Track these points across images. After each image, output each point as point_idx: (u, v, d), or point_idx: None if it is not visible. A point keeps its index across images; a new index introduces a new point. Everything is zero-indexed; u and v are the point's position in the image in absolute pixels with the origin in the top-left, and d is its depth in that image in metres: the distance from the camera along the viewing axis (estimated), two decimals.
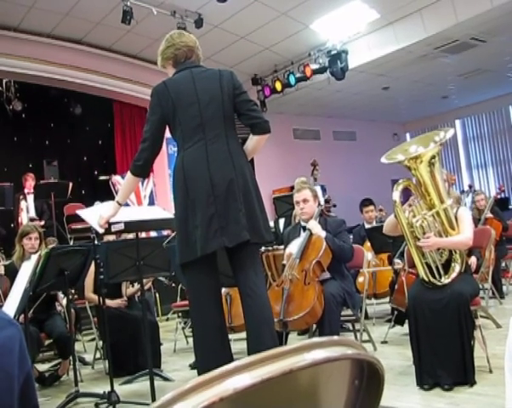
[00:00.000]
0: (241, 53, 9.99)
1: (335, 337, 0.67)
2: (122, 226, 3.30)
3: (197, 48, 3.13)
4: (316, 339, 0.66)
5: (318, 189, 5.96)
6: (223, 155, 2.89)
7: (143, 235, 6.12)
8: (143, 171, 3.04)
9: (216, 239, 2.76)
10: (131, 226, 3.40)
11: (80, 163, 11.99)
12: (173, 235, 4.32)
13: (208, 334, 2.84)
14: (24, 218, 8.26)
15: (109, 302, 4.69)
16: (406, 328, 4.05)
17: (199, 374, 2.91)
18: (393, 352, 4.54)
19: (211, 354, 2.81)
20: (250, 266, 2.92)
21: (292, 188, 6.24)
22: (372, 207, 6.59)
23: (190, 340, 5.95)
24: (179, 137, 2.94)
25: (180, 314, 6.15)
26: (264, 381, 0.59)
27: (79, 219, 4.86)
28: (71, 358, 4.40)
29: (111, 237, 5.02)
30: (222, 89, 2.96)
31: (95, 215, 3.52)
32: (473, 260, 4.98)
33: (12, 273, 4.26)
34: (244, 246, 2.85)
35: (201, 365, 2.90)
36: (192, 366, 4.77)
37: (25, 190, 8.56)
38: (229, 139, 2.94)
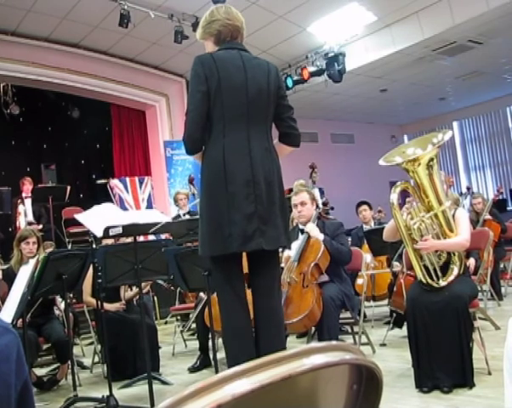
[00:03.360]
0: None
1: (334, 342, 0.67)
2: (119, 230, 3.29)
3: (243, 29, 2.94)
4: (315, 344, 0.66)
5: (316, 191, 5.96)
6: (264, 154, 2.77)
7: (141, 238, 6.11)
8: (194, 149, 2.79)
9: (255, 239, 2.66)
10: (129, 230, 3.39)
11: (78, 167, 12.00)
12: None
13: (237, 327, 2.75)
14: (22, 222, 8.25)
15: (107, 305, 4.68)
16: (404, 330, 4.05)
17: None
18: (392, 354, 4.54)
19: (240, 349, 2.71)
20: (272, 272, 2.85)
21: (290, 190, 6.24)
22: (365, 206, 6.61)
23: (189, 343, 5.95)
24: (218, 118, 2.72)
25: (179, 318, 6.14)
26: (262, 386, 0.59)
27: (77, 223, 4.86)
28: (69, 362, 4.40)
29: (109, 241, 5.01)
30: (269, 85, 2.81)
31: (93, 218, 3.52)
32: (471, 262, 5.00)
33: (10, 277, 4.26)
34: (274, 252, 2.80)
35: (231, 361, 2.77)
36: (191, 370, 4.77)
37: (23, 194, 8.55)
38: (269, 139, 2.83)
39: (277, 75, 2.90)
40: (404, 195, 3.63)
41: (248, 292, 2.85)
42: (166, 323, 7.66)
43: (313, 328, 4.47)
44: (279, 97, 2.86)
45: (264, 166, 2.75)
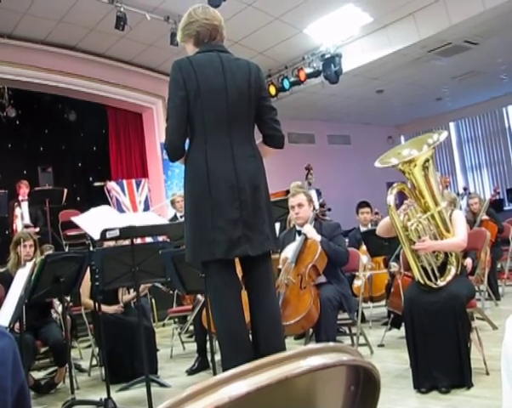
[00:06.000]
0: None
1: (330, 344, 0.67)
2: (117, 232, 3.29)
3: (222, 28, 2.87)
4: (312, 346, 0.66)
5: (313, 193, 5.96)
6: (248, 159, 2.73)
7: (138, 240, 6.10)
8: (175, 156, 2.77)
9: (240, 245, 2.63)
10: (126, 232, 3.39)
11: (75, 169, 11.97)
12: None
13: (233, 330, 2.70)
14: (19, 225, 8.24)
15: (105, 308, 4.67)
16: (402, 331, 4.04)
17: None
18: (390, 355, 4.54)
19: (237, 352, 2.66)
20: (265, 273, 2.81)
21: (287, 192, 6.23)
22: (367, 209, 6.60)
23: (187, 346, 5.94)
24: (198, 123, 2.68)
25: (176, 320, 6.14)
26: (259, 389, 0.59)
27: (74, 226, 4.84)
28: (67, 365, 4.39)
29: (107, 243, 5.00)
30: (250, 86, 2.75)
31: (90, 221, 3.51)
32: (468, 261, 5.00)
33: (7, 281, 4.23)
34: (263, 256, 2.76)
35: (226, 364, 2.72)
36: (189, 372, 4.76)
37: (20, 197, 8.53)
38: (252, 143, 2.79)
39: (259, 75, 2.84)
40: (401, 196, 3.63)
41: (244, 294, 2.84)
42: (164, 325, 7.64)
43: (311, 329, 4.47)
44: (260, 98, 2.81)
45: (249, 171, 2.71)
